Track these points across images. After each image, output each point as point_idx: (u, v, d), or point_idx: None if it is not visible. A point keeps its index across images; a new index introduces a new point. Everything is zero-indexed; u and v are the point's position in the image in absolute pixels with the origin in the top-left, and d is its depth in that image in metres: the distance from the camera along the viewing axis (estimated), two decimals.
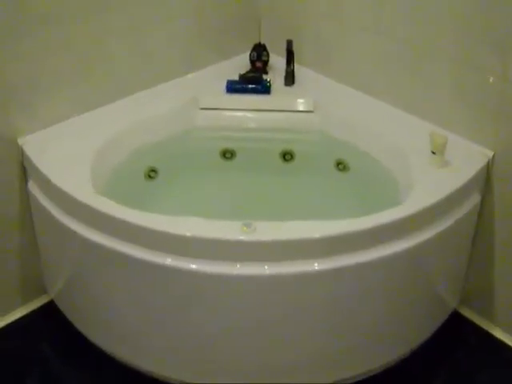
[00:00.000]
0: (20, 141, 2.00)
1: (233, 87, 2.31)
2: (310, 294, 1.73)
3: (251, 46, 2.40)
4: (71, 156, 1.94)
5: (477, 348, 2.14)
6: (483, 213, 2.05)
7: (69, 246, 1.90)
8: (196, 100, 2.29)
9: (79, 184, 1.83)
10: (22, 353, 2.10)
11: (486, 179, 1.99)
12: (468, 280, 2.19)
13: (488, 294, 2.17)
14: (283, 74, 2.35)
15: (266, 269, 1.67)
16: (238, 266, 1.68)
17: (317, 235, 1.68)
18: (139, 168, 2.18)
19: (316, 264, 1.68)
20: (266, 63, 2.41)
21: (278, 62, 2.42)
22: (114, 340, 1.99)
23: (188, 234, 1.68)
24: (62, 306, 2.15)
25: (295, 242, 1.68)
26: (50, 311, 2.22)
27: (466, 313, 2.25)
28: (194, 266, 1.68)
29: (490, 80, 1.90)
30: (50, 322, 2.21)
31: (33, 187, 1.98)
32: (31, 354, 2.10)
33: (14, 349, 2.12)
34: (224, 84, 2.31)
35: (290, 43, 2.31)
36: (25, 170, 2.04)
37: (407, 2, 2.02)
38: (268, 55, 2.40)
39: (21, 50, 1.91)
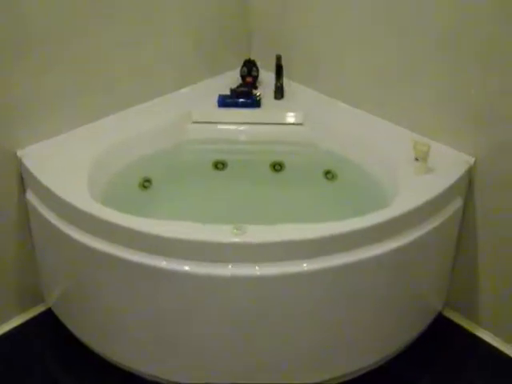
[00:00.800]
0: (19, 153, 2.07)
1: (224, 101, 2.39)
2: (299, 293, 1.79)
3: (242, 61, 2.49)
4: (69, 167, 2.01)
5: (462, 349, 2.19)
6: (466, 217, 2.12)
7: (67, 252, 1.96)
8: (189, 114, 2.37)
9: (77, 192, 1.90)
10: (20, 360, 2.14)
11: (467, 184, 2.07)
12: (452, 282, 2.26)
13: (472, 296, 2.23)
14: (273, 88, 2.44)
15: (257, 269, 1.74)
16: (230, 266, 1.74)
17: (305, 237, 1.74)
18: (134, 178, 2.24)
19: (305, 264, 1.75)
20: (256, 78, 2.49)
21: (267, 77, 2.51)
22: (111, 344, 2.04)
23: (181, 236, 1.74)
24: (60, 314, 2.20)
25: (284, 243, 1.74)
26: (47, 320, 2.27)
27: (451, 315, 2.30)
28: (187, 268, 1.74)
29: (472, 91, 1.98)
30: (47, 330, 2.25)
31: (31, 197, 2.04)
32: (29, 362, 2.13)
33: (12, 356, 2.15)
34: (216, 98, 2.39)
35: (279, 58, 2.40)
36: (23, 180, 2.10)
37: (393, 18, 2.11)
38: (258, 70, 2.49)
39: (20, 65, 1.98)
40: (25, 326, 2.27)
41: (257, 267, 1.74)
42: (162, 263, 1.75)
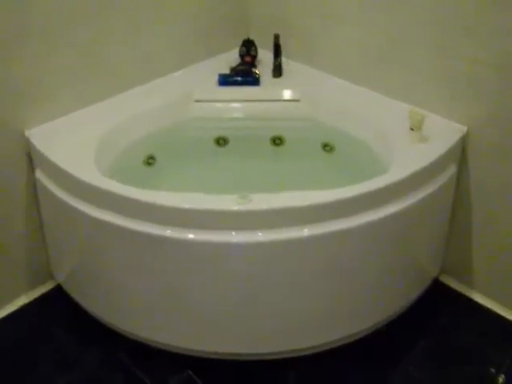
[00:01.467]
0: (27, 133, 2.13)
1: (224, 80, 2.45)
2: (300, 258, 1.87)
3: (241, 41, 2.55)
4: (76, 145, 2.07)
5: (457, 312, 2.27)
6: (460, 183, 2.20)
7: (76, 227, 2.03)
8: (191, 93, 2.44)
9: (85, 168, 1.96)
10: (31, 336, 2.20)
11: (461, 152, 2.14)
12: (448, 249, 2.33)
13: (467, 261, 2.31)
14: (271, 66, 2.51)
15: (260, 235, 1.81)
16: (234, 233, 1.81)
17: (306, 203, 1.82)
18: (139, 156, 2.31)
19: (306, 230, 1.82)
20: (254, 57, 2.56)
21: (266, 56, 2.58)
22: (119, 315, 2.12)
23: (188, 206, 1.81)
24: (69, 288, 2.27)
25: (286, 209, 1.81)
26: (57, 296, 2.34)
27: (447, 280, 2.39)
28: (192, 236, 1.81)
29: (466, 65, 2.05)
30: (56, 305, 2.31)
31: (40, 174, 2.11)
32: (40, 337, 2.19)
33: (23, 332, 2.21)
34: (216, 78, 2.46)
35: (276, 37, 2.47)
36: (31, 159, 2.16)
37: None
38: (256, 50, 2.55)
39: (27, 49, 2.05)
40: (35, 303, 2.33)
41: (260, 233, 1.81)
42: (169, 232, 1.82)
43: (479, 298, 2.31)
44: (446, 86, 2.13)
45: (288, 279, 1.90)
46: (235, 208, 1.80)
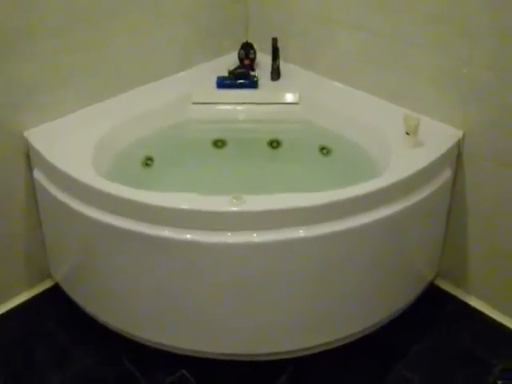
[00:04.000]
0: (26, 133, 2.14)
1: (223, 83, 2.47)
2: (295, 259, 1.88)
3: (239, 45, 2.57)
4: (74, 146, 2.08)
5: (453, 316, 2.27)
6: (456, 188, 2.21)
7: (74, 227, 2.04)
8: (189, 95, 2.45)
9: (82, 169, 1.98)
10: (28, 333, 2.21)
11: (456, 156, 2.15)
12: (444, 252, 2.34)
13: (463, 265, 2.31)
14: (270, 69, 2.52)
15: (255, 236, 1.82)
16: (230, 234, 1.82)
17: (301, 205, 1.83)
18: (137, 157, 2.32)
19: (301, 231, 1.83)
20: (253, 60, 2.57)
21: (264, 59, 2.59)
22: (116, 314, 2.13)
23: (183, 207, 1.83)
24: (67, 288, 2.28)
25: (281, 211, 1.83)
26: (54, 295, 2.35)
27: (443, 284, 2.39)
28: (188, 237, 1.83)
29: (462, 69, 2.06)
30: (54, 304, 2.32)
31: (38, 175, 2.12)
32: (38, 335, 2.20)
33: (21, 330, 2.22)
34: (214, 80, 2.48)
35: (275, 40, 2.48)
36: (30, 160, 2.17)
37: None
38: (255, 53, 2.56)
39: (27, 50, 2.06)
40: (32, 301, 2.35)
41: (255, 234, 1.82)
42: (165, 233, 1.83)
43: (474, 302, 2.31)
44: (442, 89, 2.14)
45: (283, 280, 1.91)
46: (229, 209, 1.81)
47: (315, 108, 2.40)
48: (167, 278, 1.93)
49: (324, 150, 2.40)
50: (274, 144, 2.48)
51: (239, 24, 2.70)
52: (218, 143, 2.48)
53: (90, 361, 2.11)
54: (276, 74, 2.52)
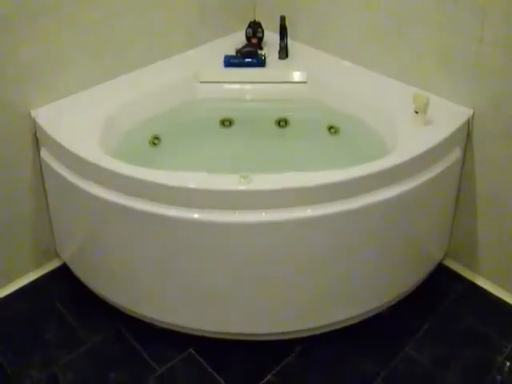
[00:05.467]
0: (33, 113, 2.14)
1: (230, 62, 2.45)
2: (303, 238, 1.87)
3: (247, 23, 2.55)
4: (81, 125, 2.08)
5: (461, 296, 2.27)
6: (465, 167, 2.19)
7: (81, 206, 2.04)
8: (196, 74, 2.44)
9: (89, 148, 1.97)
10: (36, 312, 2.23)
11: (466, 135, 2.13)
12: (453, 233, 2.33)
13: (472, 245, 2.31)
14: (277, 48, 2.50)
15: (263, 215, 1.82)
16: (237, 213, 1.82)
17: (309, 184, 1.82)
18: (144, 136, 2.32)
19: (309, 210, 1.82)
20: (260, 39, 2.55)
21: (272, 38, 2.56)
22: (123, 293, 2.13)
23: (190, 186, 1.82)
24: (74, 267, 2.29)
25: (289, 190, 1.82)
26: (61, 273, 2.37)
27: (452, 264, 2.38)
28: (196, 216, 1.82)
29: (471, 47, 2.03)
30: (61, 283, 2.34)
31: (46, 154, 2.12)
32: (46, 313, 2.22)
33: (29, 309, 2.24)
34: (222, 59, 2.46)
35: (283, 19, 2.46)
36: (37, 139, 2.17)
37: None
38: (263, 32, 2.54)
39: (33, 29, 2.05)
40: (40, 281, 2.36)
41: (263, 213, 1.82)
42: (172, 212, 1.83)
43: (483, 283, 2.31)
44: (452, 68, 2.12)
45: (291, 259, 1.90)
46: (237, 188, 1.81)
47: (323, 87, 2.38)
48: (174, 258, 1.93)
49: (332, 129, 2.38)
50: (282, 123, 2.46)
51: (247, 2, 2.67)
52: (226, 122, 2.46)
53: (98, 340, 2.12)
54: (284, 53, 2.50)
